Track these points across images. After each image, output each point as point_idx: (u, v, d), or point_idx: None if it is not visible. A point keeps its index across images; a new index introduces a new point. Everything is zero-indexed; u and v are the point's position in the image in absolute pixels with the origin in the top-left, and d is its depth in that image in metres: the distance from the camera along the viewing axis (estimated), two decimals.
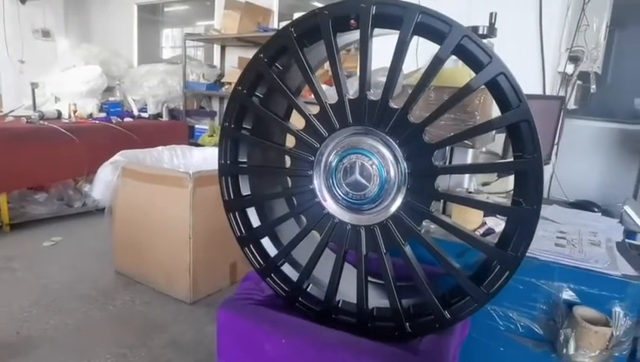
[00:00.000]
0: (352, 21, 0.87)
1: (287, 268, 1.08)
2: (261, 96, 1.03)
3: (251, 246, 1.07)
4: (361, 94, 0.89)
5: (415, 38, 0.84)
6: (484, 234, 1.44)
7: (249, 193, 1.09)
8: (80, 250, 3.39)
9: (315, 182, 0.98)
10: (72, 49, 5.67)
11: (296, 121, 0.99)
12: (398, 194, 0.90)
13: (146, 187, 2.62)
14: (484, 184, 1.86)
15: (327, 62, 0.91)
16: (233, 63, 4.70)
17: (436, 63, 0.81)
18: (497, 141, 1.70)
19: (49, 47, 6.84)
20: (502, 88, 0.77)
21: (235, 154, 1.07)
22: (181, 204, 2.40)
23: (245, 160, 1.08)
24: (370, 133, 0.91)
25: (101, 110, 4.87)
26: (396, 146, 0.88)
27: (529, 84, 2.36)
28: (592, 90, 2.44)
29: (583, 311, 1.21)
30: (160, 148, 3.20)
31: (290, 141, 1.01)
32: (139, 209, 2.72)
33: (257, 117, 1.05)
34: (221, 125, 1.04)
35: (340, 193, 0.95)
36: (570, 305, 1.25)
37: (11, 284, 2.81)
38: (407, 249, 0.91)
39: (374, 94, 0.89)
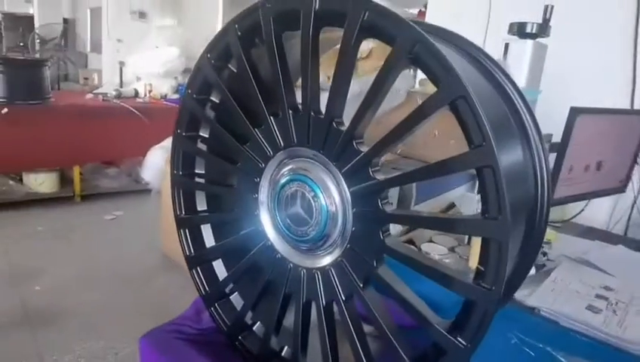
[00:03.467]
0: None
1: (237, 300, 0.94)
2: (217, 101, 0.89)
3: (199, 269, 0.95)
4: (305, 109, 0.72)
5: None
6: None
7: (205, 208, 0.97)
8: (135, 227, 3.56)
9: (260, 208, 0.83)
10: (158, 30, 5.94)
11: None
12: (343, 234, 0.72)
13: None
14: None
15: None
16: None
17: (387, 74, 0.62)
18: None
19: (144, 28, 7.22)
20: (462, 117, 0.56)
21: (190, 164, 0.94)
22: None
23: (202, 172, 0.95)
24: (315, 158, 0.73)
25: (177, 92, 5.06)
26: (341, 177, 0.70)
27: (614, 95, 1.95)
28: None
29: None
30: None
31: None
32: None
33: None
34: (173, 132, 0.92)
35: (282, 225, 0.79)
36: None
37: (64, 253, 3.01)
38: (370, 293, 0.72)
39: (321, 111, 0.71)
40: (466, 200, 1.39)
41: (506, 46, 1.27)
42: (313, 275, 0.77)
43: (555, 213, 1.65)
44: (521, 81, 1.26)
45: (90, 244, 3.21)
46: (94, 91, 4.72)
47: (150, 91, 4.69)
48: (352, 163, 0.68)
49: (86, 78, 7.26)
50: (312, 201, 0.74)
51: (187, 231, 0.96)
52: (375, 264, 0.68)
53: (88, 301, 2.49)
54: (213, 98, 0.89)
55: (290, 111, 0.74)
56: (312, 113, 0.72)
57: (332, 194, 0.72)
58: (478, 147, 0.55)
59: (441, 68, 0.56)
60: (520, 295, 1.14)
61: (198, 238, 0.96)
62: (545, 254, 1.36)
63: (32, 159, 3.64)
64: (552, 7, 1.24)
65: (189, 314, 0.98)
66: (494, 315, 0.57)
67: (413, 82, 1.14)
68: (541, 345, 0.99)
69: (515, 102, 0.81)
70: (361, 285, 0.71)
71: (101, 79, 6.69)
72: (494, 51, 1.17)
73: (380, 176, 0.66)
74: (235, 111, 0.80)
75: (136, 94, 4.68)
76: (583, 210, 1.69)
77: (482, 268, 0.59)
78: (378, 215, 0.66)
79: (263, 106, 0.77)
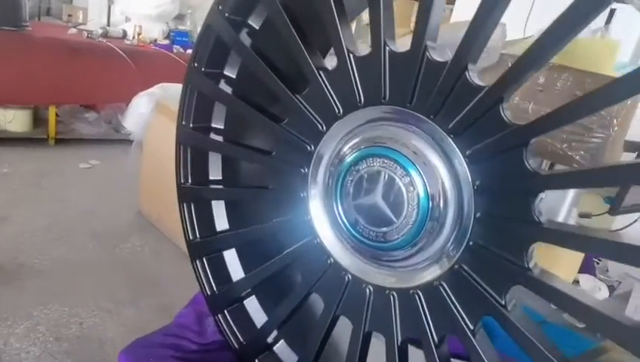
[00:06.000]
0: None
1: (253, 306, 0.69)
2: (256, 27, 0.61)
3: (205, 259, 0.69)
4: (416, 47, 0.45)
5: None
6: None
7: (220, 178, 0.70)
8: (112, 179, 3.25)
9: (311, 190, 0.57)
10: None
11: None
12: (450, 247, 0.47)
13: None
14: (582, 216, 1.35)
15: None
16: None
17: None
18: None
19: None
20: None
21: (206, 114, 0.67)
22: None
23: (221, 126, 0.68)
24: (418, 126, 0.47)
25: (167, 37, 4.65)
26: (463, 161, 0.44)
27: None
28: None
29: None
30: None
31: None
32: (169, 152, 2.42)
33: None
34: (187, 66, 0.65)
35: (343, 219, 0.54)
36: None
37: (34, 203, 2.69)
38: (481, 337, 0.47)
39: (440, 53, 0.45)
40: None
41: (612, 12, 1.02)
42: (387, 298, 0.52)
43: (603, 221, 1.43)
44: (625, 54, 1.01)
45: (61, 193, 2.89)
46: (78, 27, 4.29)
47: (139, 34, 4.27)
48: (490, 140, 0.42)
49: (70, 15, 6.73)
50: (403, 191, 0.48)
51: (192, 206, 0.70)
52: (504, 301, 0.44)
53: (54, 258, 2.20)
54: (251, 22, 0.62)
55: (351, 55, 0.48)
56: (389, 48, 0.46)
57: (442, 185, 0.46)
58: None
59: None
60: None
61: (206, 218, 0.70)
62: (607, 270, 1.15)
63: (1, 93, 3.25)
64: None
65: (189, 321, 0.72)
66: None
67: (504, 42, 0.89)
68: None
69: None
70: (472, 327, 0.46)
71: (86, 18, 6.18)
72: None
73: (536, 166, 0.41)
74: (290, 35, 0.53)
75: (124, 35, 4.25)
76: (637, 220, 1.49)
77: None
78: (526, 226, 0.41)
79: (339, 30, 0.50)
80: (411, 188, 0.47)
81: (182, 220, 0.71)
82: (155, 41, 4.38)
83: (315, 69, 0.52)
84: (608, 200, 1.27)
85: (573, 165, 0.77)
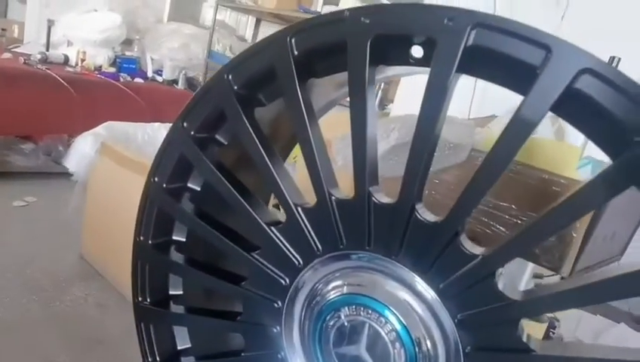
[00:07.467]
0: (416, 49, 0.41)
1: None
2: (225, 142, 0.57)
3: None
4: (403, 204, 0.43)
5: None
6: None
7: (180, 293, 0.64)
8: (51, 219, 3.02)
9: (286, 328, 0.53)
10: None
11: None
12: None
13: (125, 174, 2.20)
14: (535, 276, 1.40)
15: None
16: None
17: (520, 132, 0.35)
18: None
19: None
20: None
21: (166, 228, 0.62)
22: None
23: (183, 239, 0.63)
24: (404, 281, 0.45)
25: (113, 64, 4.47)
26: (454, 325, 0.42)
27: None
28: None
29: None
30: (157, 125, 2.76)
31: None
32: (114, 197, 2.30)
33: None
34: (147, 179, 0.59)
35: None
36: None
37: None
38: None
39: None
40: None
41: None
42: None
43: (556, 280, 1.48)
44: (578, 139, 1.06)
45: None
46: (14, 49, 4.03)
47: (83, 60, 4.07)
48: (481, 309, 0.40)
49: (4, 29, 6.34)
50: (389, 347, 0.45)
51: (151, 327, 0.63)
52: None
53: None
54: (219, 137, 0.57)
55: (333, 197, 0.45)
56: (375, 199, 0.44)
57: (433, 345, 0.44)
58: None
59: None
60: None
61: (166, 338, 0.64)
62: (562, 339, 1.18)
63: None
64: (620, 59, 1.02)
65: None
66: None
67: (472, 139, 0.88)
68: None
69: None
70: None
71: (22, 34, 5.84)
72: None
73: (512, 293, 0.39)
74: (264, 167, 0.49)
75: (66, 61, 4.04)
76: None
77: None
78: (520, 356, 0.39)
79: (319, 169, 0.46)
80: (398, 346, 0.45)
81: (139, 340, 0.64)
82: (100, 68, 4.19)
83: (292, 206, 0.49)
84: None
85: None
